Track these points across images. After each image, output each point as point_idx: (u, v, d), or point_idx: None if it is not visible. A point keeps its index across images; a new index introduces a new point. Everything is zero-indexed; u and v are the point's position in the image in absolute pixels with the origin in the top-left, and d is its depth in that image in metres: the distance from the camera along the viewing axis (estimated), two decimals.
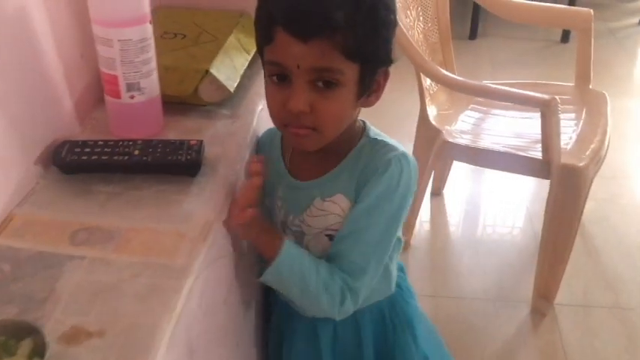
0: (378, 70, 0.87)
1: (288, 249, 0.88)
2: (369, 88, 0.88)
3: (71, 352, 0.64)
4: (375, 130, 0.95)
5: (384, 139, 0.93)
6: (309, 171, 0.95)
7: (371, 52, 0.83)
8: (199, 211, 0.83)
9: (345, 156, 0.92)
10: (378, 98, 0.91)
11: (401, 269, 1.10)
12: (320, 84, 0.82)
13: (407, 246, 2.04)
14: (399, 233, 0.98)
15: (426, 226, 2.20)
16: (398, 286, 1.07)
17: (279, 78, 0.84)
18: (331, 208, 0.93)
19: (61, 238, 0.78)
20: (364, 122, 0.96)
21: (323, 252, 0.96)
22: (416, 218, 2.05)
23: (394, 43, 0.87)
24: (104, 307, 0.69)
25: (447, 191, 2.30)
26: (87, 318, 0.67)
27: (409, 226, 2.03)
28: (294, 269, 0.88)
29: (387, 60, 0.87)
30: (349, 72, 0.82)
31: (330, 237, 0.95)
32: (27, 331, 0.63)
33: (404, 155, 0.90)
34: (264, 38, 0.84)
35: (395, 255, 1.02)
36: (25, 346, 0.62)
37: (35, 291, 0.70)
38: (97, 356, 0.64)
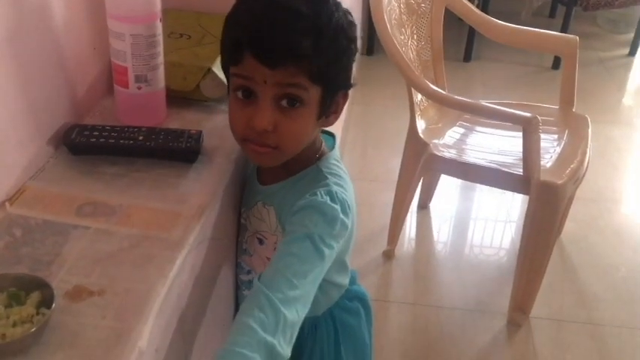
0: (338, 92, 0.91)
1: None
2: (329, 109, 0.91)
3: (74, 307, 0.71)
4: (330, 161, 0.95)
5: (328, 174, 0.92)
6: (265, 175, 0.99)
7: (333, 76, 0.87)
8: (195, 194, 0.90)
9: (294, 175, 0.94)
10: (337, 118, 0.94)
11: (357, 297, 1.12)
12: (284, 103, 0.84)
13: (391, 255, 2.12)
14: (347, 258, 1.02)
15: (411, 237, 2.27)
16: (337, 304, 1.07)
17: (244, 94, 0.85)
18: (265, 216, 0.97)
19: (68, 209, 0.85)
20: (330, 147, 0.98)
21: (255, 252, 1.02)
22: (401, 229, 2.12)
23: (354, 69, 0.91)
24: (105, 271, 0.76)
25: (433, 205, 2.38)
26: (89, 279, 0.75)
27: (394, 236, 2.10)
28: None
29: (346, 84, 0.91)
30: (313, 92, 0.85)
31: (260, 241, 1.00)
32: (36, 284, 0.70)
33: (329, 192, 0.88)
34: (230, 60, 0.85)
35: (338, 278, 1.04)
36: (34, 297, 0.69)
37: (43, 254, 0.78)
38: (96, 312, 0.71)
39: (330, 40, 0.83)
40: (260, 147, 0.87)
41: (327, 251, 0.84)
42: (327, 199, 0.86)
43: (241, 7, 0.85)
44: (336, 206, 0.86)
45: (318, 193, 0.87)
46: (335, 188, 0.89)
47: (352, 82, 0.92)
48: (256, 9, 0.82)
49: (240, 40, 0.82)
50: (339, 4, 0.86)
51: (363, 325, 1.13)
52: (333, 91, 0.89)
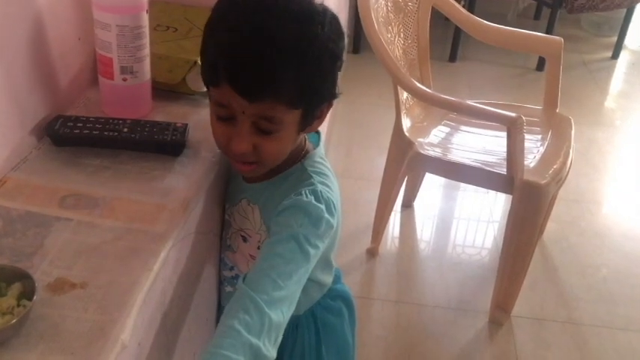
0: (322, 105, 0.88)
1: None
2: (312, 122, 0.89)
3: (56, 299, 0.70)
4: (315, 159, 0.94)
5: (313, 173, 0.91)
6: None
7: (315, 97, 0.85)
8: (180, 187, 0.90)
9: (279, 173, 0.93)
10: (320, 124, 0.92)
11: (340, 297, 1.12)
12: (262, 126, 0.82)
13: (375, 253, 2.12)
14: (331, 256, 1.02)
15: (395, 236, 2.27)
16: (319, 303, 1.07)
17: (222, 113, 0.84)
18: (249, 215, 0.97)
19: (50, 201, 0.84)
20: (315, 144, 0.97)
21: (238, 249, 1.01)
22: (385, 227, 2.13)
23: (339, 80, 0.87)
24: (87, 263, 0.75)
25: (417, 203, 2.38)
26: (71, 272, 0.74)
27: (378, 234, 2.10)
28: None
29: (330, 96, 0.88)
30: (292, 115, 0.83)
31: (244, 238, 0.99)
32: (17, 276, 0.69)
33: (314, 191, 0.87)
34: (209, 79, 0.83)
35: (322, 277, 1.04)
36: (15, 289, 0.68)
37: (24, 246, 0.76)
38: (78, 304, 0.70)
39: (314, 64, 0.80)
40: (241, 165, 0.88)
41: (312, 251, 0.83)
42: (312, 198, 0.86)
43: (220, 23, 0.81)
44: (321, 206, 0.85)
45: (303, 192, 0.86)
46: (320, 187, 0.88)
47: (337, 92, 0.89)
48: (235, 32, 0.78)
49: (218, 65, 0.79)
50: (324, 19, 0.81)
51: (346, 325, 1.13)
52: (316, 107, 0.87)
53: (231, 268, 1.05)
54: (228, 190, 1.03)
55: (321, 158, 0.96)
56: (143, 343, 0.74)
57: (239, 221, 0.99)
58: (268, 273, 0.79)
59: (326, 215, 0.86)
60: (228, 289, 1.06)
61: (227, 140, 0.85)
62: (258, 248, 0.97)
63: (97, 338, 0.66)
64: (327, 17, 0.82)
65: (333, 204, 0.88)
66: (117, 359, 0.65)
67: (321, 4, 0.83)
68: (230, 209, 1.01)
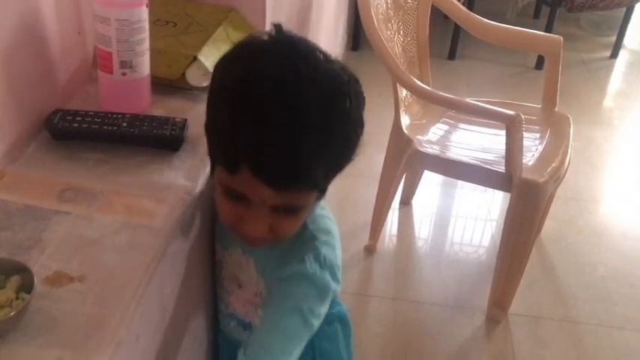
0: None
1: None
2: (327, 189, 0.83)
3: (54, 292, 0.70)
4: (316, 212, 0.88)
5: (315, 231, 0.86)
6: None
7: (338, 173, 0.80)
8: (179, 181, 0.90)
9: None
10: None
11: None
12: (281, 210, 0.77)
13: (372, 250, 2.12)
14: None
15: (393, 233, 2.27)
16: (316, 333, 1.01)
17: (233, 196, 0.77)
18: (244, 266, 0.93)
19: (49, 195, 0.84)
20: None
21: (233, 293, 0.97)
22: (383, 224, 2.12)
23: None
24: (86, 257, 0.75)
25: (415, 201, 2.38)
26: (70, 265, 0.74)
27: (376, 232, 2.10)
28: None
29: (350, 161, 0.81)
30: (313, 197, 0.78)
31: (239, 285, 0.96)
32: (16, 269, 0.69)
33: (317, 256, 0.83)
34: (225, 164, 0.75)
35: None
36: (14, 281, 0.68)
37: (23, 239, 0.76)
38: (77, 297, 0.70)
39: (343, 145, 0.76)
40: (253, 243, 0.84)
41: (316, 323, 0.82)
42: (317, 268, 0.83)
43: (239, 98, 0.71)
44: (326, 276, 0.83)
45: (307, 260, 0.83)
46: (323, 250, 0.84)
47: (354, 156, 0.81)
48: (262, 117, 0.69)
49: (239, 151, 0.71)
50: (350, 89, 0.75)
51: (342, 347, 1.09)
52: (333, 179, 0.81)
53: (227, 306, 1.01)
54: (217, 227, 0.98)
55: (322, 209, 0.92)
56: (141, 337, 0.74)
57: (233, 268, 0.95)
58: (270, 350, 0.78)
59: (332, 285, 0.84)
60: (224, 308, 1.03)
61: (237, 220, 0.78)
62: (256, 295, 0.94)
63: (95, 332, 0.66)
64: (352, 85, 0.76)
65: (337, 266, 0.86)
66: (115, 353, 0.65)
67: (343, 69, 0.76)
68: (221, 252, 0.97)
